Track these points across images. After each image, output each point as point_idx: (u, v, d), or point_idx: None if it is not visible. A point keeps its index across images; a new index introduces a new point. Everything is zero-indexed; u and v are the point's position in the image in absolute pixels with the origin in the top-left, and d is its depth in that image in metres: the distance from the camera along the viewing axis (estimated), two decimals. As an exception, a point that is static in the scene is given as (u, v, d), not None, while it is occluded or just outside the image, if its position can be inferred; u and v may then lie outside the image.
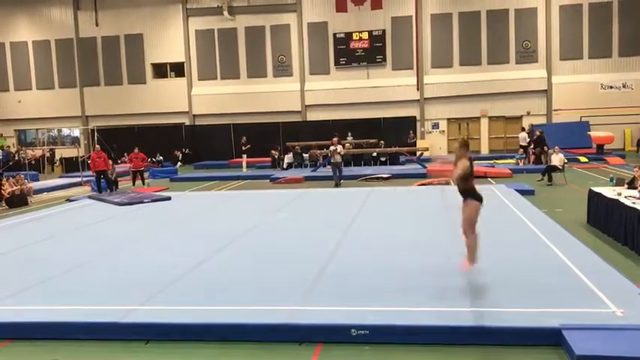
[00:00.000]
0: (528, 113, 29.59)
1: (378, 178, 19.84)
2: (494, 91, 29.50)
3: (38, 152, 31.08)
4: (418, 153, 24.27)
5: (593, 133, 26.13)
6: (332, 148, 18.81)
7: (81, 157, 25.19)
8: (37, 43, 33.79)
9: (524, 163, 22.42)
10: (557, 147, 17.87)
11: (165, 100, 32.77)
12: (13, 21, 33.81)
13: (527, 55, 29.51)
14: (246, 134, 26.86)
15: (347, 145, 18.98)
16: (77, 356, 5.49)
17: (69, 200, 17.08)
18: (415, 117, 30.21)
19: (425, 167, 20.83)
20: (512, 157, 24.45)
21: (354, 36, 30.70)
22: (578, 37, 29.03)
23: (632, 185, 10.26)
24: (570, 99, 29.02)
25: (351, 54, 30.82)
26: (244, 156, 25.32)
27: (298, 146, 25.70)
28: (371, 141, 25.75)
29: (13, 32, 33.92)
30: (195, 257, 8.54)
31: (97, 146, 19.17)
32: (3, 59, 34.13)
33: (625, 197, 9.30)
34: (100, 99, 33.42)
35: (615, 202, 9.32)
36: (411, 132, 28.76)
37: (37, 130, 35.33)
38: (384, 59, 30.63)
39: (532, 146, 22.68)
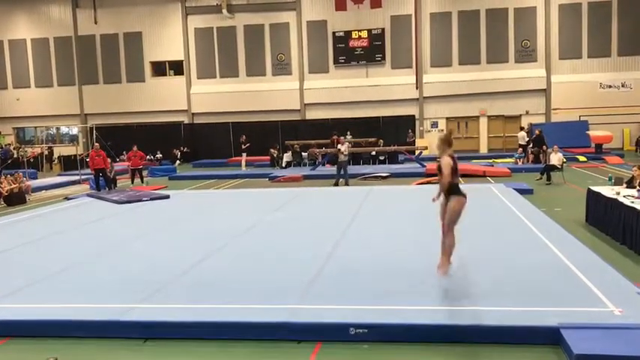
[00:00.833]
0: (527, 112, 29.60)
1: (377, 177, 19.85)
2: (493, 90, 29.50)
3: (37, 150, 31.09)
4: (417, 152, 24.27)
5: (591, 133, 26.15)
6: (339, 146, 18.58)
7: (79, 156, 25.17)
8: (36, 41, 33.73)
9: (523, 163, 22.43)
10: (555, 146, 17.89)
11: (164, 99, 32.74)
12: (11, 18, 33.75)
13: (526, 54, 29.52)
14: (245, 133, 26.85)
15: (346, 143, 18.96)
16: (76, 354, 5.48)
17: (67, 198, 17.07)
18: (414, 116, 30.22)
19: (424, 166, 20.83)
20: (511, 157, 24.46)
21: (354, 34, 30.68)
22: (578, 37, 29.04)
23: (630, 184, 10.27)
24: (569, 98, 29.03)
25: (350, 53, 30.81)
26: (243, 154, 25.31)
27: (297, 145, 25.70)
28: (370, 140, 25.76)
29: (11, 30, 33.86)
30: (193, 255, 8.54)
31: (97, 144, 19.15)
32: (1, 57, 34.08)
33: (624, 196, 9.31)
34: (98, 97, 33.38)
35: (614, 202, 9.33)
36: (410, 131, 28.77)
37: (35, 128, 35.28)
38: (384, 58, 30.62)
39: (531, 145, 22.69)
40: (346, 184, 18.06)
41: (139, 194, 15.92)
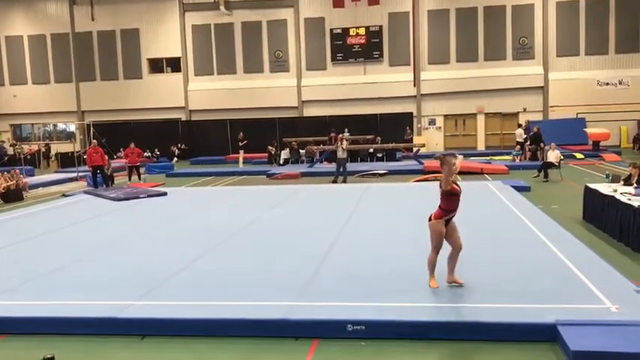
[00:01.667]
0: (525, 110, 29.63)
1: (374, 175, 19.85)
2: (490, 87, 29.51)
3: (34, 147, 31.00)
4: (415, 149, 24.27)
5: (589, 130, 26.16)
6: (343, 144, 18.54)
7: (77, 153, 25.11)
8: (33, 38, 33.63)
9: (520, 160, 22.47)
10: (553, 144, 17.91)
11: (161, 96, 32.68)
12: (8, 15, 33.63)
13: (523, 52, 29.54)
14: (243, 130, 26.83)
15: (345, 141, 18.96)
16: (73, 351, 5.47)
17: (64, 195, 17.03)
18: (412, 113, 30.21)
19: (422, 163, 20.83)
20: (508, 154, 24.49)
21: (351, 32, 30.66)
22: (575, 34, 29.06)
23: (627, 182, 10.29)
24: (567, 96, 29.07)
25: (347, 50, 30.78)
26: (241, 152, 25.28)
27: (295, 142, 25.68)
28: (367, 137, 25.75)
29: (8, 26, 33.74)
30: (191, 253, 8.53)
31: (94, 141, 19.10)
32: (-2, 53, 33.99)
33: (621, 194, 9.33)
34: (95, 94, 33.29)
35: (611, 199, 9.34)
36: (408, 128, 28.77)
37: (32, 124, 35.18)
38: (381, 55, 30.60)
39: (528, 143, 22.72)
40: (344, 181, 18.05)
41: (136, 191, 15.90)
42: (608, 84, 28.91)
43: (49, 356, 4.47)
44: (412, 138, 28.37)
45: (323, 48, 31.12)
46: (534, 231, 9.18)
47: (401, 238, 9.17)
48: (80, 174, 21.87)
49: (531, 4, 29.21)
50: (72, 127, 34.70)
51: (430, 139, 30.20)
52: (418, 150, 24.24)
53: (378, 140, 25.64)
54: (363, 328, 5.46)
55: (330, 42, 30.96)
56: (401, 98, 30.33)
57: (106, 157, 18.93)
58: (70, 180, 21.77)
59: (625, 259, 7.94)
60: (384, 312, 5.71)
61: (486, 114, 30.34)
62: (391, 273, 7.11)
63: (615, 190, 9.63)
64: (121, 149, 26.39)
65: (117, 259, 8.43)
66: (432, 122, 30.83)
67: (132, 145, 20.45)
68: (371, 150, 24.77)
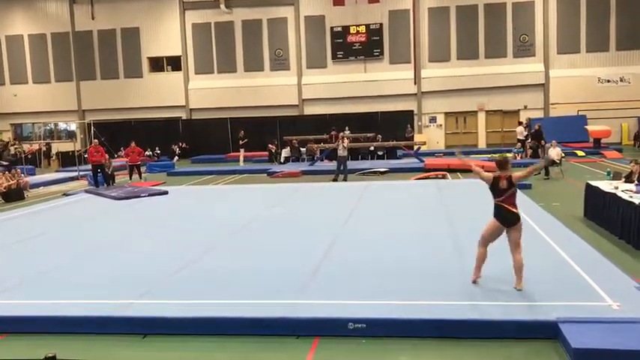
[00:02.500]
0: (525, 107, 29.56)
1: (375, 172, 19.84)
2: (491, 85, 29.45)
3: (35, 146, 31.01)
4: (415, 147, 24.26)
5: (590, 127, 26.14)
6: (344, 142, 18.49)
7: (77, 152, 25.12)
8: (33, 37, 33.60)
9: (521, 157, 22.44)
10: (554, 141, 17.89)
11: (161, 94, 32.65)
12: (8, 14, 33.60)
13: (524, 49, 29.47)
14: (244, 128, 26.81)
15: (346, 139, 18.94)
16: (74, 350, 5.47)
17: (65, 194, 17.04)
18: (412, 111, 30.16)
19: (422, 161, 20.82)
20: (509, 152, 24.46)
21: (352, 29, 30.59)
22: (576, 31, 28.99)
23: (629, 179, 10.27)
24: (567, 93, 29.00)
25: (348, 48, 30.73)
26: (242, 150, 25.28)
27: (295, 140, 25.67)
28: (368, 135, 25.72)
29: (8, 26, 33.72)
30: (192, 251, 8.54)
31: (95, 140, 19.11)
32: (-1, 53, 33.98)
33: (622, 191, 9.32)
34: (96, 93, 33.26)
35: (612, 196, 9.33)
36: (409, 126, 28.75)
37: (33, 124, 35.17)
38: (382, 53, 30.55)
39: (529, 140, 22.70)
40: (345, 179, 18.04)
41: (137, 190, 15.90)
42: (609, 81, 28.84)
43: (50, 355, 4.46)
44: (413, 136, 28.37)
45: (323, 46, 31.07)
46: (535, 229, 9.17)
47: (402, 235, 9.17)
48: (81, 173, 21.88)
49: (532, 1, 29.13)
50: (73, 126, 34.68)
51: (431, 136, 30.16)
52: (419, 148, 24.23)
53: (378, 138, 25.64)
54: (364, 326, 5.46)
55: (330, 40, 30.91)
56: (401, 96, 30.29)
57: (107, 155, 18.93)
58: (71, 179, 21.77)
59: (626, 256, 7.93)
60: (384, 310, 5.71)
61: (487, 111, 30.29)
62: (392, 271, 7.11)
63: (616, 188, 9.63)
64: (122, 148, 26.41)
65: (118, 258, 8.44)
66: (433, 120, 30.79)
67: (132, 144, 20.45)
68: (372, 148, 24.75)
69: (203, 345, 5.47)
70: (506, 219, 6.32)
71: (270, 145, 26.27)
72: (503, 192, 6.30)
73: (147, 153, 27.56)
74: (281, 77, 31.54)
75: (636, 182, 9.68)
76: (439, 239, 8.75)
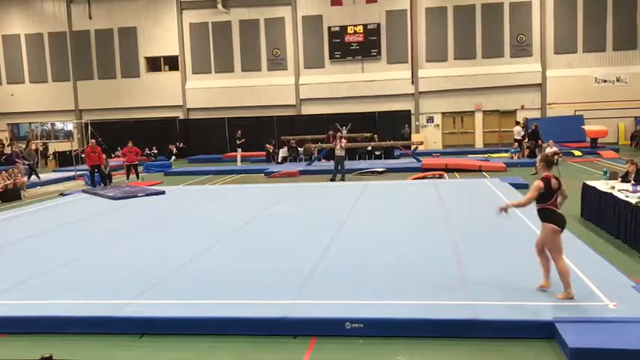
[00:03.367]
0: (523, 107, 29.64)
1: (372, 172, 19.85)
2: (488, 85, 29.52)
3: (31, 146, 30.89)
4: (413, 147, 24.28)
5: (587, 127, 26.21)
6: (342, 142, 18.49)
7: (74, 151, 25.07)
8: (30, 36, 33.54)
9: (518, 157, 22.48)
10: (551, 141, 17.95)
11: (159, 94, 32.64)
12: (5, 14, 33.54)
13: (521, 49, 29.54)
14: (241, 128, 26.80)
15: (344, 139, 18.93)
16: (71, 350, 5.46)
17: (62, 194, 17.01)
18: (410, 111, 30.20)
19: (420, 161, 20.84)
20: (506, 151, 24.51)
21: (349, 29, 30.62)
22: (573, 31, 29.06)
23: (625, 179, 10.29)
24: (564, 93, 29.08)
25: (345, 47, 30.75)
26: (239, 150, 25.26)
27: (293, 140, 25.67)
28: (365, 135, 25.75)
29: (5, 25, 33.66)
30: (189, 251, 8.53)
31: (92, 140, 19.06)
32: (-5, 52, 33.91)
33: (618, 191, 9.34)
34: (93, 93, 33.23)
35: (609, 196, 9.35)
36: (407, 126, 28.77)
37: (30, 123, 35.11)
38: (379, 53, 30.58)
39: (526, 140, 22.75)
40: (342, 179, 18.04)
41: (134, 190, 15.88)
42: (605, 81, 28.92)
43: (46, 356, 4.45)
44: (409, 133, 28.36)
45: (321, 46, 31.09)
46: (532, 228, 9.17)
47: (399, 235, 9.17)
48: (78, 173, 21.84)
49: (529, 1, 29.22)
50: (70, 126, 34.63)
51: (428, 136, 30.22)
52: (416, 148, 24.27)
53: (375, 138, 25.65)
54: (362, 325, 5.46)
55: (327, 40, 30.94)
56: (399, 96, 30.34)
57: (104, 155, 18.90)
58: (68, 179, 21.73)
59: (623, 255, 7.95)
60: (382, 310, 5.71)
61: (484, 111, 30.35)
62: (389, 271, 7.11)
63: (613, 187, 9.64)
64: (119, 148, 26.39)
65: (115, 258, 8.42)
66: (430, 120, 30.84)
67: (130, 144, 20.44)
68: (369, 148, 24.76)
69: (200, 345, 5.47)
70: (564, 220, 5.85)
71: (267, 145, 26.27)
72: (555, 192, 5.83)
73: (142, 153, 27.58)
74: (278, 77, 31.54)
75: (632, 182, 9.69)
76: (437, 239, 8.75)
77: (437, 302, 5.86)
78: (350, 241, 8.87)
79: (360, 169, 20.17)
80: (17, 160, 20.33)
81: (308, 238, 9.20)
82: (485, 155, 24.22)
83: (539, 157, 6.31)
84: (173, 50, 32.47)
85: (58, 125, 35.50)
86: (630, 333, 4.97)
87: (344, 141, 18.70)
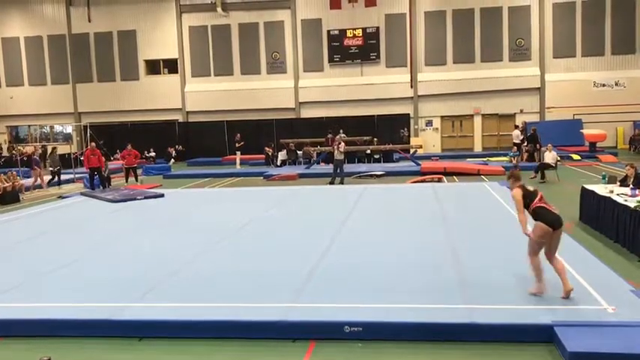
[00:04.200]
0: (521, 111, 29.67)
1: (371, 176, 19.86)
2: (487, 88, 29.55)
3: (30, 149, 30.88)
4: (412, 150, 24.30)
5: (585, 131, 26.25)
6: (341, 146, 18.50)
7: (73, 154, 25.05)
8: (29, 39, 33.55)
9: (517, 161, 22.49)
10: (550, 145, 17.94)
11: (158, 97, 32.64)
12: (5, 16, 33.55)
13: (520, 53, 29.58)
14: (240, 131, 26.79)
15: (342, 143, 18.91)
16: (70, 353, 5.46)
17: (61, 197, 17.00)
18: (409, 114, 30.21)
19: (419, 164, 20.85)
20: (505, 155, 24.53)
21: (348, 33, 30.65)
22: (572, 35, 29.12)
23: (624, 183, 10.31)
24: (563, 97, 29.11)
25: (344, 51, 30.78)
26: (238, 153, 25.27)
27: (292, 143, 25.68)
28: (364, 138, 25.76)
29: (5, 28, 33.66)
30: (188, 254, 8.53)
31: (92, 143, 19.02)
32: (-5, 55, 33.91)
33: (617, 195, 9.35)
34: (92, 95, 33.23)
35: (607, 200, 9.36)
36: (405, 129, 28.77)
37: (29, 126, 35.09)
38: (378, 56, 30.61)
39: (525, 144, 22.77)
40: (341, 182, 18.05)
41: (133, 193, 15.88)
42: (604, 85, 28.97)
43: (45, 358, 4.45)
44: (407, 137, 28.36)
45: (320, 49, 31.12)
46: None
47: (397, 238, 9.17)
48: (77, 175, 21.82)
49: (528, 5, 29.28)
50: (69, 129, 34.61)
51: (427, 140, 30.24)
52: (415, 151, 24.29)
53: (374, 141, 25.66)
54: (361, 329, 5.46)
55: (327, 43, 30.97)
56: (398, 99, 30.35)
57: (103, 158, 18.89)
58: (67, 182, 21.71)
59: (621, 259, 7.96)
60: (381, 313, 5.71)
61: (483, 115, 30.38)
62: (388, 274, 7.12)
63: (612, 191, 9.65)
64: (118, 151, 26.37)
65: (113, 262, 8.42)
66: (429, 123, 30.85)
67: (129, 147, 20.43)
68: (368, 151, 24.78)
69: (199, 348, 5.47)
70: (558, 220, 6.03)
71: (266, 148, 26.27)
72: (534, 193, 6.12)
73: (150, 154, 27.66)
74: (278, 80, 31.56)
75: (631, 186, 9.71)
76: (435, 242, 8.76)
77: (436, 306, 5.87)
78: (349, 244, 8.88)
79: (359, 173, 20.17)
80: (36, 166, 20.23)
81: (307, 241, 9.20)
82: (484, 159, 24.24)
83: (507, 174, 6.59)
84: (172, 53, 32.49)
85: (57, 128, 35.48)
86: (629, 337, 4.98)
87: (342, 144, 18.70)
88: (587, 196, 10.48)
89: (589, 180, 15.30)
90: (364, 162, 24.72)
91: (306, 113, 31.41)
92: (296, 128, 29.70)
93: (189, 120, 32.74)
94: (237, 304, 6.15)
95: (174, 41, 32.29)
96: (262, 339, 5.54)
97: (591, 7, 28.71)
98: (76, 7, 32.99)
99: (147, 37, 32.58)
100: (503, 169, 19.59)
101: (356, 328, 5.46)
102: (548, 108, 29.50)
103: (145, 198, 15.05)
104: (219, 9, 31.00)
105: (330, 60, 31.02)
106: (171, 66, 32.93)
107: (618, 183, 10.58)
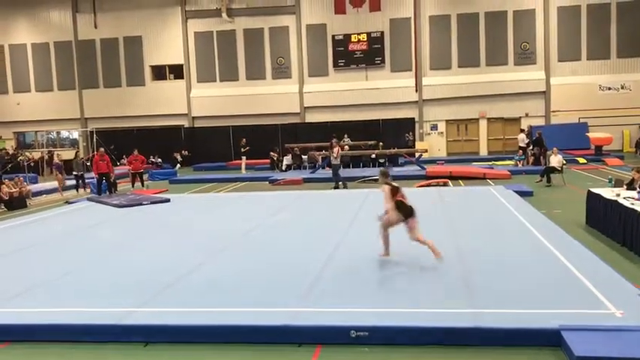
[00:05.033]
0: (527, 115, 29.62)
1: (376, 180, 19.82)
2: (492, 92, 29.52)
3: (37, 154, 31.06)
4: (417, 154, 24.27)
5: (591, 135, 26.17)
6: (334, 151, 18.57)
7: (80, 160, 25.11)
8: (36, 46, 33.79)
9: (522, 165, 22.45)
10: (555, 148, 17.90)
11: (164, 102, 32.78)
12: (12, 23, 33.81)
13: (525, 57, 29.56)
14: (246, 136, 26.88)
15: (337, 148, 18.88)
16: (76, 359, 5.47)
17: (68, 202, 17.07)
18: (414, 118, 30.21)
19: (424, 169, 20.83)
20: (511, 159, 24.48)
21: (353, 38, 30.72)
22: (577, 39, 29.07)
23: (630, 186, 10.27)
24: (569, 100, 29.05)
25: (349, 56, 30.84)
26: (243, 158, 25.32)
27: (297, 148, 25.72)
28: (370, 143, 25.75)
29: (12, 34, 33.92)
30: (194, 259, 8.54)
31: (101, 149, 19.06)
32: (2, 62, 34.09)
33: (624, 198, 9.32)
34: (98, 101, 33.41)
35: (614, 203, 9.33)
36: (410, 133, 28.74)
37: (36, 132, 35.29)
38: (383, 61, 30.65)
39: (531, 147, 22.73)
40: (344, 186, 18.07)
41: (139, 198, 15.92)
42: (610, 88, 28.88)
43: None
44: (413, 141, 28.33)
45: (325, 54, 31.19)
46: (537, 236, 9.16)
47: (403, 243, 9.13)
48: (87, 180, 21.86)
49: (532, 9, 29.26)
50: (75, 135, 34.79)
51: (432, 144, 30.22)
52: (420, 155, 24.25)
53: (380, 146, 25.65)
54: (367, 334, 5.45)
55: (331, 48, 31.04)
56: (403, 104, 30.37)
57: (111, 165, 18.93)
58: (74, 187, 21.76)
59: (629, 263, 7.92)
60: (387, 318, 5.70)
61: (488, 119, 30.34)
62: (394, 278, 7.11)
63: (618, 195, 9.62)
64: (124, 156, 26.48)
65: (120, 266, 8.44)
66: (434, 128, 30.84)
67: (135, 152, 20.51)
68: (373, 155, 24.77)
69: (205, 353, 5.47)
70: (411, 212, 7.74)
71: (271, 153, 26.32)
72: (397, 189, 7.89)
73: (157, 160, 27.74)
74: (283, 85, 31.65)
75: (638, 189, 9.67)
76: (441, 246, 8.71)
77: (442, 310, 5.85)
78: (354, 249, 8.87)
79: (364, 177, 20.16)
80: (59, 172, 20.35)
81: (312, 246, 9.20)
82: (490, 163, 24.18)
83: (379, 172, 8.46)
84: (178, 59, 32.63)
85: (64, 134, 35.66)
86: (636, 341, 4.95)
87: (336, 150, 18.55)
88: (593, 199, 10.45)
89: (595, 183, 15.24)
90: (369, 166, 24.70)
91: (311, 118, 31.46)
92: (301, 133, 29.77)
93: (195, 125, 32.85)
94: (243, 308, 6.15)
95: (179, 47, 32.45)
96: (268, 343, 5.54)
97: (596, 11, 28.67)
98: (83, 14, 33.22)
99: (153, 42, 32.74)
100: (509, 173, 19.56)
101: (362, 333, 5.45)
102: (554, 111, 29.43)
103: (152, 203, 15.10)
104: (224, 15, 31.13)
105: (335, 65, 31.08)
106: (177, 71, 33.08)
107: (625, 186, 10.54)
